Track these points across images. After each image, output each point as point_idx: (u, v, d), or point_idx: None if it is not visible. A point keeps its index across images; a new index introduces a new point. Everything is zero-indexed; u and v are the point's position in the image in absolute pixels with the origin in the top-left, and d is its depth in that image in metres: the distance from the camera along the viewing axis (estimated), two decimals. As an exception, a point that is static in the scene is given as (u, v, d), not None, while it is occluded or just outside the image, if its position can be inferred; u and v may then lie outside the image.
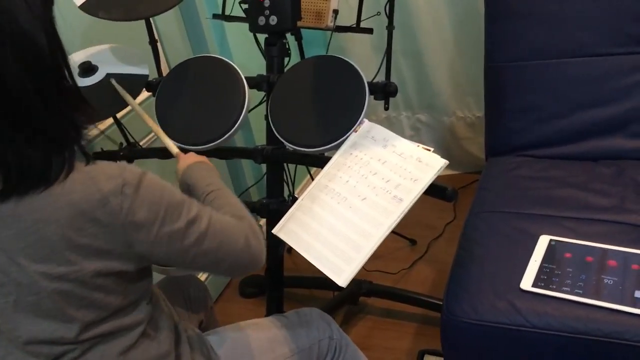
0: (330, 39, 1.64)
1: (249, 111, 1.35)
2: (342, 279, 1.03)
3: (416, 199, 1.05)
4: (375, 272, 2.02)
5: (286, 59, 1.47)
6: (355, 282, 1.89)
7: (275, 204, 1.44)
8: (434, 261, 2.11)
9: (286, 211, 1.18)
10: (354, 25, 1.56)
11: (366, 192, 1.10)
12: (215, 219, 0.91)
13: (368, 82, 1.25)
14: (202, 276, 2.00)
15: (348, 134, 1.20)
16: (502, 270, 1.25)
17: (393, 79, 2.45)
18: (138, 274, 0.88)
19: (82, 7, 1.31)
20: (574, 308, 1.12)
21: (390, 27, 1.31)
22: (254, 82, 1.41)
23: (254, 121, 2.08)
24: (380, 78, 1.36)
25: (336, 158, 1.20)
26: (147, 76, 1.43)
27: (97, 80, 1.39)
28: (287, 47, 1.45)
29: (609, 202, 1.40)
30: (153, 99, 1.42)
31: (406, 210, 1.04)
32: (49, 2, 0.78)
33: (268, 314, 1.50)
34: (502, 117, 1.72)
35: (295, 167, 1.66)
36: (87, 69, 1.39)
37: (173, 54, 1.85)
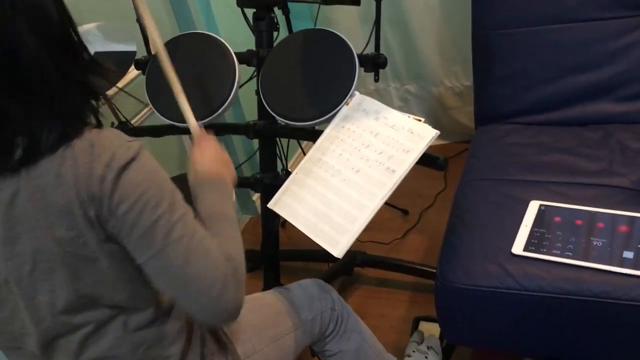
0: (318, 12, 1.63)
1: (240, 87, 1.35)
2: (338, 250, 1.05)
3: (409, 169, 1.07)
4: (368, 242, 2.05)
5: (275, 34, 1.47)
6: (349, 253, 1.88)
7: (269, 178, 1.46)
8: (426, 230, 2.14)
9: (280, 185, 1.20)
10: (342, -3, 1.56)
11: (359, 164, 1.12)
12: (197, 237, 0.83)
13: (357, 55, 1.26)
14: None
15: (340, 107, 1.21)
16: (493, 236, 1.27)
17: (380, 49, 2.45)
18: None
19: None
20: (564, 270, 1.15)
21: (378, -1, 1.32)
22: (244, 58, 1.41)
23: (243, 97, 2.08)
24: (370, 50, 1.37)
25: (328, 131, 1.21)
26: (134, 53, 1.43)
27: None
28: (276, 21, 1.45)
29: (597, 166, 1.43)
30: (143, 77, 1.42)
31: (399, 181, 1.06)
32: None
33: (265, 288, 1.52)
34: (491, 85, 1.73)
35: (288, 141, 1.67)
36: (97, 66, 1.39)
37: (160, 31, 1.83)
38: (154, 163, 0.83)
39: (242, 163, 2.06)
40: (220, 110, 1.31)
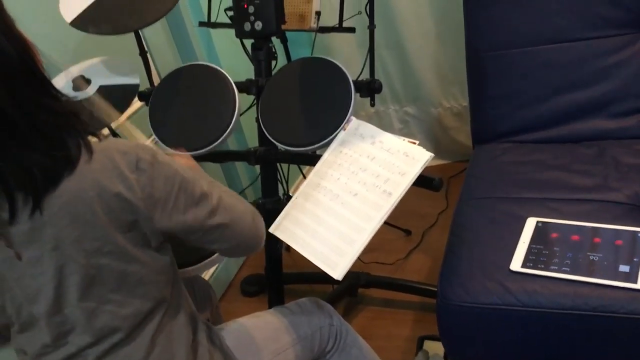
0: (315, 39, 1.68)
1: (240, 115, 1.39)
2: (337, 273, 1.08)
3: (404, 192, 1.10)
4: (372, 263, 2.07)
5: (273, 62, 1.51)
6: (353, 274, 1.93)
7: (270, 203, 1.49)
8: (429, 249, 2.16)
9: (282, 210, 1.23)
10: (337, 26, 1.60)
11: (357, 188, 1.15)
12: (224, 196, 0.99)
13: (353, 81, 1.30)
14: (205, 275, 2.04)
15: (337, 132, 1.25)
16: (492, 253, 1.29)
17: (379, 73, 2.50)
18: (162, 250, 0.93)
19: (72, 23, 1.35)
20: (562, 285, 1.16)
21: (371, 26, 1.36)
22: (243, 87, 1.46)
23: (245, 124, 2.12)
24: (365, 75, 1.41)
25: (326, 156, 1.24)
26: (137, 85, 1.47)
27: (91, 93, 1.43)
28: (274, 50, 1.50)
29: (592, 181, 1.45)
30: (146, 108, 1.46)
31: (395, 203, 1.09)
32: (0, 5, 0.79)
33: (270, 310, 1.54)
34: (486, 104, 1.77)
35: (288, 166, 1.70)
36: (81, 82, 1.43)
37: (162, 63, 1.89)
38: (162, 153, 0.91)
39: (245, 188, 2.10)
40: (221, 138, 1.34)
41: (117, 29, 1.34)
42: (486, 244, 1.33)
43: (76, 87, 1.42)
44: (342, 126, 1.25)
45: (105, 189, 0.81)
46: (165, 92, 1.45)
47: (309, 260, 1.14)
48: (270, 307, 1.62)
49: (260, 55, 1.46)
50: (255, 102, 1.48)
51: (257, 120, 1.40)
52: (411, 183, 1.10)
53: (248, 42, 1.54)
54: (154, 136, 1.44)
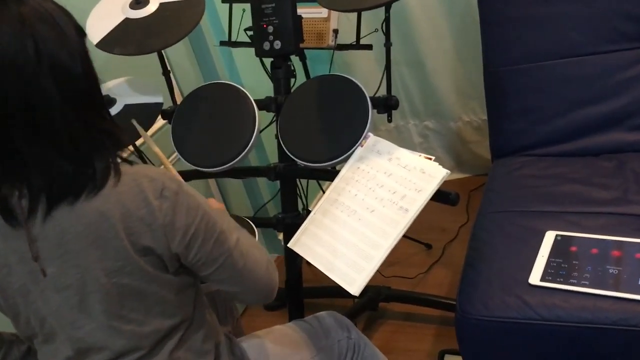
0: (332, 57, 1.71)
1: (260, 132, 1.42)
2: (355, 288, 1.10)
3: (421, 208, 1.11)
4: (393, 277, 2.07)
5: (292, 80, 1.54)
6: (374, 288, 1.94)
7: (290, 218, 1.51)
8: (450, 263, 2.16)
9: (301, 224, 1.25)
10: (354, 43, 1.63)
11: (374, 204, 1.16)
12: (243, 239, 0.99)
13: (370, 97, 1.32)
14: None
15: (354, 148, 1.27)
16: (510, 267, 1.30)
17: (398, 89, 2.52)
18: (180, 275, 0.95)
19: (98, 45, 1.40)
20: (582, 299, 1.16)
21: (387, 44, 1.38)
22: (263, 104, 1.49)
23: (266, 140, 2.16)
24: (383, 91, 1.43)
25: (344, 172, 1.26)
26: (161, 104, 1.52)
27: (116, 112, 1.47)
28: (293, 68, 1.53)
29: (611, 194, 1.45)
30: (169, 126, 1.50)
31: (412, 220, 1.11)
32: (82, 34, 0.86)
33: (290, 324, 1.56)
34: (504, 119, 1.77)
35: (307, 181, 1.73)
36: (107, 101, 1.48)
37: (185, 82, 1.94)
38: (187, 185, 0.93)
39: (266, 203, 2.12)
40: (242, 155, 1.37)
41: (142, 50, 1.38)
42: (505, 257, 1.34)
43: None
44: (359, 142, 1.27)
45: (129, 212, 0.84)
46: (187, 110, 1.49)
47: (327, 274, 1.15)
48: (290, 321, 1.64)
49: (280, 73, 1.49)
50: (274, 119, 1.51)
51: (276, 136, 1.42)
52: (427, 199, 1.11)
53: (268, 61, 1.58)
54: (176, 153, 1.48)
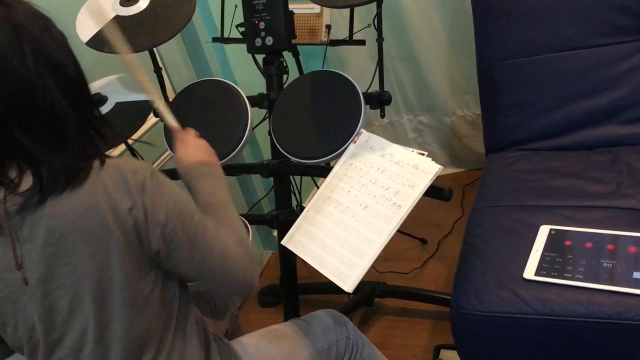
0: (326, 52, 1.70)
1: (253, 129, 1.41)
2: (349, 285, 1.09)
3: (414, 204, 1.11)
4: (388, 273, 2.07)
5: (285, 76, 1.53)
6: (369, 284, 1.94)
7: (284, 215, 1.51)
8: (445, 258, 2.16)
9: (295, 221, 1.25)
10: (347, 39, 1.62)
11: (367, 200, 1.16)
12: (221, 239, 0.96)
13: (363, 93, 1.31)
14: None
15: (347, 144, 1.27)
16: (505, 261, 1.29)
17: (392, 84, 2.52)
18: (168, 270, 0.94)
19: (88, 43, 1.39)
20: (576, 293, 1.16)
21: (379, 40, 1.37)
22: (256, 101, 1.48)
23: (260, 137, 2.15)
24: (376, 87, 1.42)
25: (337, 169, 1.26)
26: (153, 102, 1.50)
27: (108, 110, 1.46)
28: (285, 64, 1.52)
29: (605, 188, 1.45)
30: (161, 124, 1.49)
31: (405, 216, 1.10)
32: (64, 35, 0.88)
33: (286, 321, 1.55)
34: (498, 114, 1.77)
35: (301, 178, 1.72)
36: (98, 100, 1.47)
37: (178, 79, 1.93)
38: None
39: (260, 199, 2.12)
40: (234, 152, 1.37)
41: (132, 48, 1.37)
42: (499, 252, 1.34)
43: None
44: (352, 138, 1.26)
45: (117, 205, 0.84)
46: (179, 107, 1.48)
47: (324, 271, 1.15)
48: (285, 317, 1.63)
49: (272, 69, 1.48)
50: (267, 115, 1.51)
51: (269, 133, 1.42)
52: (420, 195, 1.11)
53: (261, 57, 1.57)
54: (168, 151, 1.47)
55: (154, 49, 1.53)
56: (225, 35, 1.77)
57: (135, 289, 0.89)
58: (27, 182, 0.83)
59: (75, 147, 0.85)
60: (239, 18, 1.62)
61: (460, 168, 2.61)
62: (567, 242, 1.29)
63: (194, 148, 1.13)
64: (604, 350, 1.17)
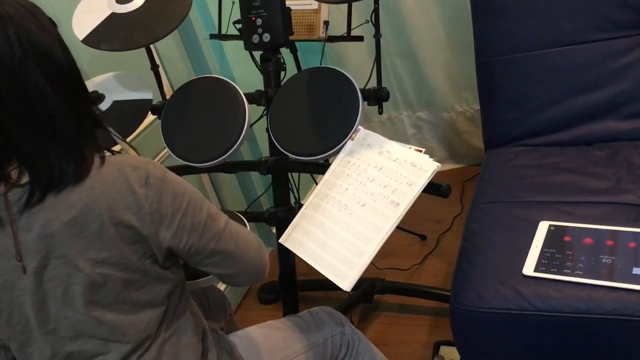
0: (324, 49, 1.70)
1: (251, 126, 1.41)
2: (347, 284, 1.09)
3: (412, 202, 1.11)
4: (387, 269, 2.07)
5: (283, 73, 1.52)
6: (368, 280, 1.94)
7: (282, 212, 1.50)
8: (445, 254, 2.16)
9: (293, 218, 1.24)
10: (345, 35, 1.61)
11: (365, 198, 1.15)
12: (232, 222, 1.00)
13: (361, 89, 1.31)
14: (222, 286, 2.06)
15: (345, 141, 1.26)
16: (504, 258, 1.29)
17: (391, 80, 2.51)
18: (169, 263, 0.95)
19: (84, 41, 1.38)
20: (575, 289, 1.16)
21: (377, 36, 1.37)
22: (253, 98, 1.47)
23: (259, 134, 2.15)
24: (374, 83, 1.42)
25: (334, 167, 1.25)
26: (150, 100, 1.50)
27: (105, 108, 1.46)
28: (282, 61, 1.51)
29: (605, 184, 1.44)
30: (159, 122, 1.49)
31: (403, 214, 1.10)
32: (55, 24, 0.88)
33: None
34: (497, 109, 1.76)
35: (299, 175, 1.72)
36: (95, 98, 1.46)
37: (176, 76, 1.92)
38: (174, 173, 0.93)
39: (259, 197, 2.11)
40: (232, 150, 1.36)
41: (129, 45, 1.37)
42: (498, 248, 1.33)
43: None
44: (349, 135, 1.26)
45: (115, 201, 0.84)
46: (177, 105, 1.47)
47: (323, 268, 1.14)
48: (284, 314, 1.63)
49: (269, 66, 1.47)
50: (265, 112, 1.50)
51: (267, 130, 1.41)
52: (419, 193, 1.11)
53: (258, 54, 1.56)
54: (166, 149, 1.46)
55: (151, 46, 1.53)
56: (223, 31, 1.76)
57: (128, 284, 0.89)
58: (27, 175, 0.84)
59: (70, 141, 0.84)
60: (237, 14, 1.61)
61: (459, 164, 2.60)
62: (567, 238, 1.28)
63: None
64: (604, 346, 1.16)
